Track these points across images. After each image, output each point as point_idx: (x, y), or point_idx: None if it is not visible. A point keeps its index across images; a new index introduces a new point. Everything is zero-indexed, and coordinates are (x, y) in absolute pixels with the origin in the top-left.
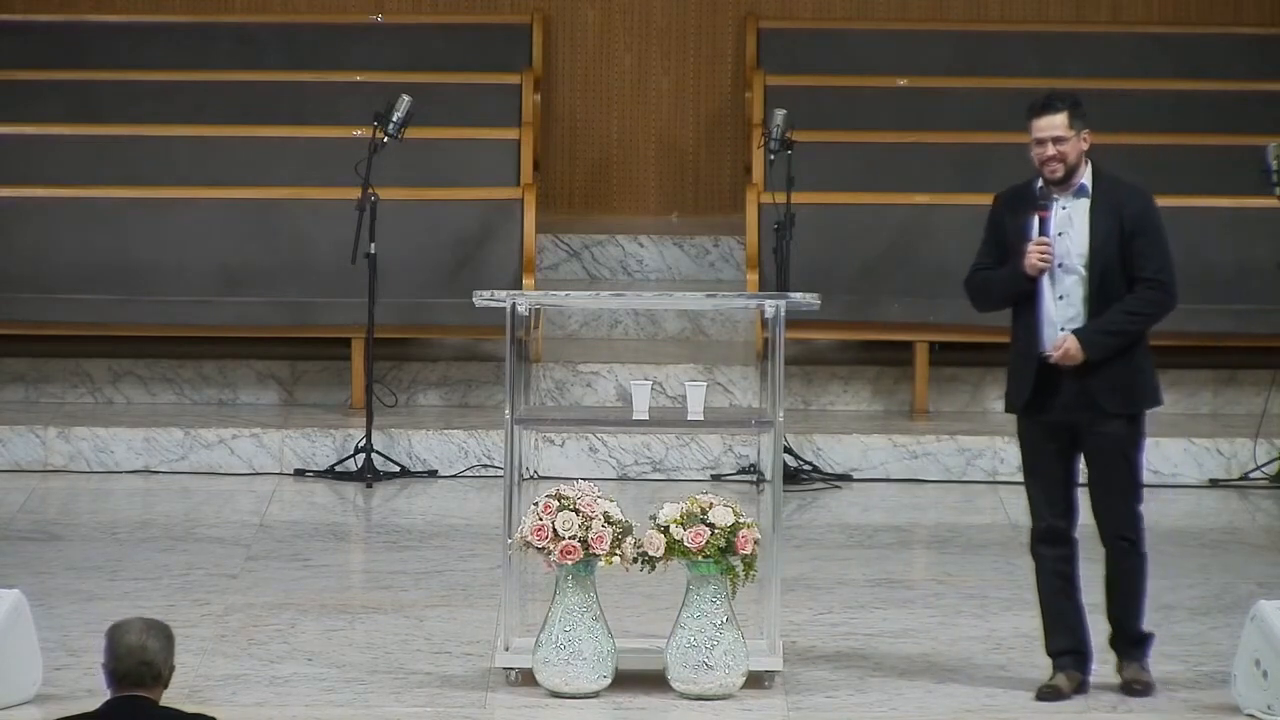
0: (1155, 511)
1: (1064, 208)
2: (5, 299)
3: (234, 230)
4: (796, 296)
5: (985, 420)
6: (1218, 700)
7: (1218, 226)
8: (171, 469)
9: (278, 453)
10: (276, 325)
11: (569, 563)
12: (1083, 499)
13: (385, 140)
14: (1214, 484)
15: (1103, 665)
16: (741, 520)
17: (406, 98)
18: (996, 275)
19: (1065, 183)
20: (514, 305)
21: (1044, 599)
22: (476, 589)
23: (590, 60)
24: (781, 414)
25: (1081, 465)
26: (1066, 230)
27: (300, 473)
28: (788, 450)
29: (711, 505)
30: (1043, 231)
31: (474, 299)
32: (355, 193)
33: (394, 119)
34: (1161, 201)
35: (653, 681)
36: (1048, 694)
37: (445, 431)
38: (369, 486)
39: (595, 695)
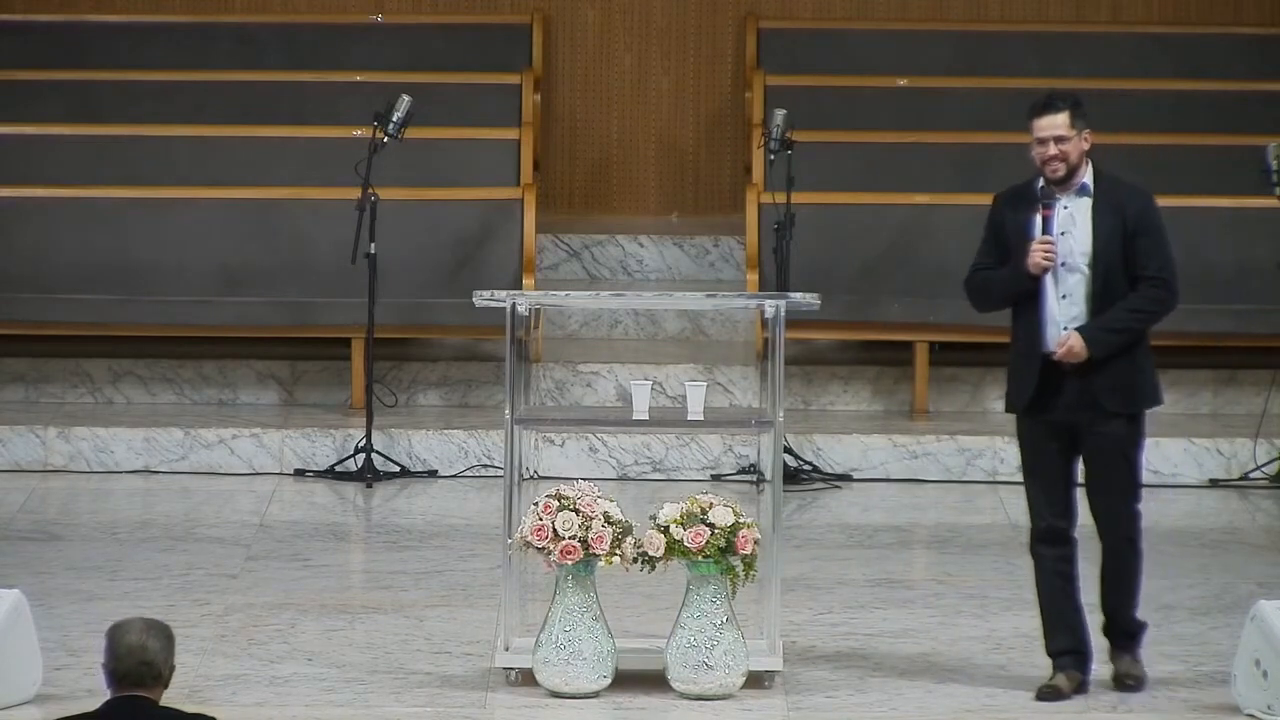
0: (1155, 511)
1: (1065, 207)
2: (5, 299)
3: (234, 230)
4: (796, 296)
5: (985, 420)
6: (1218, 700)
7: (1218, 226)
8: (171, 469)
9: (278, 453)
10: (276, 325)
11: (569, 563)
12: (1080, 498)
13: (385, 140)
14: (1214, 484)
15: (1103, 665)
16: (741, 520)
17: (406, 98)
18: (998, 275)
19: (1066, 182)
20: (514, 305)
21: (1044, 599)
22: (476, 589)
23: (590, 60)
24: (781, 414)
25: (1079, 465)
26: (1069, 229)
27: (300, 473)
28: (788, 450)
29: (711, 505)
30: (1045, 230)
31: (474, 299)
32: (355, 193)
33: (394, 119)
34: (1161, 201)
35: (653, 681)
36: (1048, 694)
37: (445, 431)
38: (369, 486)
39: (595, 695)
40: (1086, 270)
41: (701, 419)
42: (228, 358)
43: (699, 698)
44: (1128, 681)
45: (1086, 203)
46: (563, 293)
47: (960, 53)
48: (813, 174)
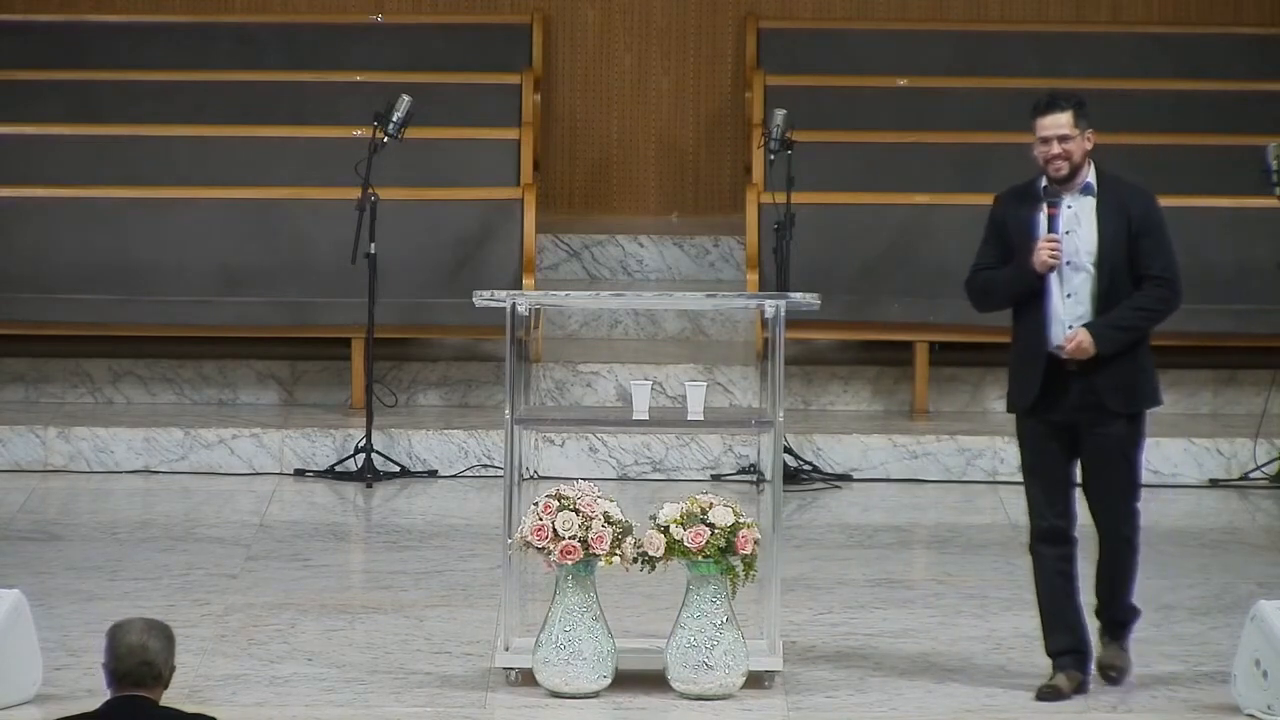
0: (1155, 511)
1: (1069, 206)
2: (5, 299)
3: (234, 230)
4: (796, 296)
5: (985, 420)
6: (1218, 700)
7: (1218, 226)
8: (171, 469)
9: (278, 453)
10: (276, 325)
11: (569, 563)
12: (1079, 498)
13: (385, 140)
14: (1214, 484)
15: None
16: (741, 520)
17: (406, 98)
18: (1002, 274)
19: (1069, 181)
20: (514, 305)
21: (1044, 599)
22: (476, 589)
23: (590, 60)
24: (781, 414)
25: (1078, 465)
26: (1074, 229)
27: (300, 473)
28: (788, 450)
29: (711, 505)
30: (1051, 229)
31: (474, 299)
32: (355, 193)
33: (394, 119)
34: (1162, 201)
35: (653, 681)
36: (1048, 694)
37: (445, 431)
38: (369, 486)
39: (595, 695)
40: (1092, 269)
41: (701, 419)
42: (228, 358)
43: (699, 698)
44: (1109, 673)
45: (1090, 202)
46: (563, 293)
47: (960, 53)
48: (813, 174)
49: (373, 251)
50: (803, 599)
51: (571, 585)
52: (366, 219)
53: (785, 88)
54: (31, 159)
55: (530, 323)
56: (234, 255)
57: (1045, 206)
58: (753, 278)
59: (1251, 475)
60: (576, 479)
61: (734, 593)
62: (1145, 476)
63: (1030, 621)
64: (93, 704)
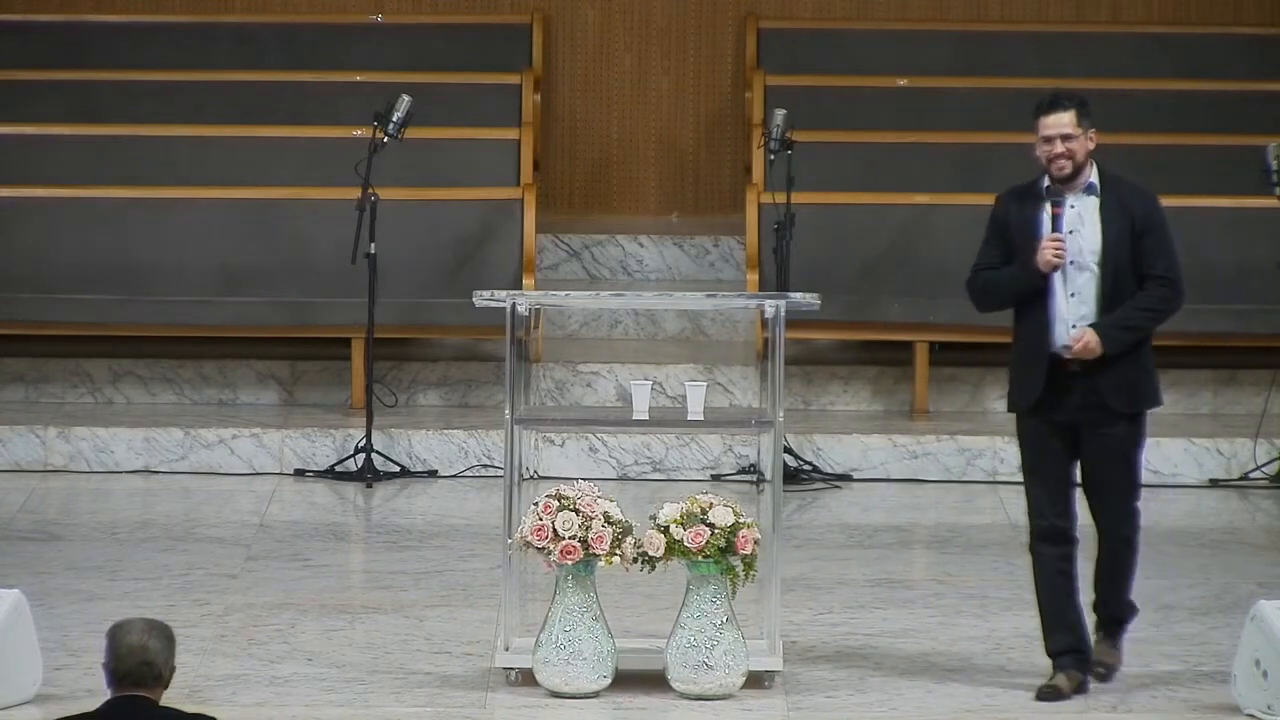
0: (1155, 511)
1: (1072, 206)
2: (5, 299)
3: (234, 230)
4: (796, 296)
5: (985, 420)
6: (1218, 700)
7: (1218, 226)
8: (171, 469)
9: (278, 453)
10: (276, 325)
11: (569, 563)
12: (1079, 497)
13: (385, 140)
14: (1214, 484)
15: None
16: (741, 520)
17: (406, 98)
18: (1005, 273)
19: (1072, 181)
20: (514, 305)
21: (1044, 598)
22: (476, 589)
23: (590, 60)
24: (781, 414)
25: (1078, 464)
26: (1078, 228)
27: (300, 473)
28: (788, 450)
29: (711, 505)
30: (1055, 228)
31: (474, 299)
32: (355, 193)
33: (394, 119)
34: (1161, 201)
35: (653, 681)
36: (1048, 694)
37: (445, 431)
38: (369, 486)
39: (595, 695)
40: (1096, 269)
41: (701, 419)
42: (228, 358)
43: (699, 698)
44: (1098, 669)
45: (1094, 202)
46: (563, 293)
47: (960, 53)
48: (813, 174)
49: (373, 251)
50: (803, 599)
51: (571, 585)
52: (366, 219)
53: (785, 88)
54: (31, 159)
55: (530, 323)
56: (234, 255)
57: (1049, 206)
58: (753, 278)
59: (1251, 475)
60: (576, 479)
61: (734, 593)
62: (1145, 476)
63: (1030, 621)
64: (93, 704)
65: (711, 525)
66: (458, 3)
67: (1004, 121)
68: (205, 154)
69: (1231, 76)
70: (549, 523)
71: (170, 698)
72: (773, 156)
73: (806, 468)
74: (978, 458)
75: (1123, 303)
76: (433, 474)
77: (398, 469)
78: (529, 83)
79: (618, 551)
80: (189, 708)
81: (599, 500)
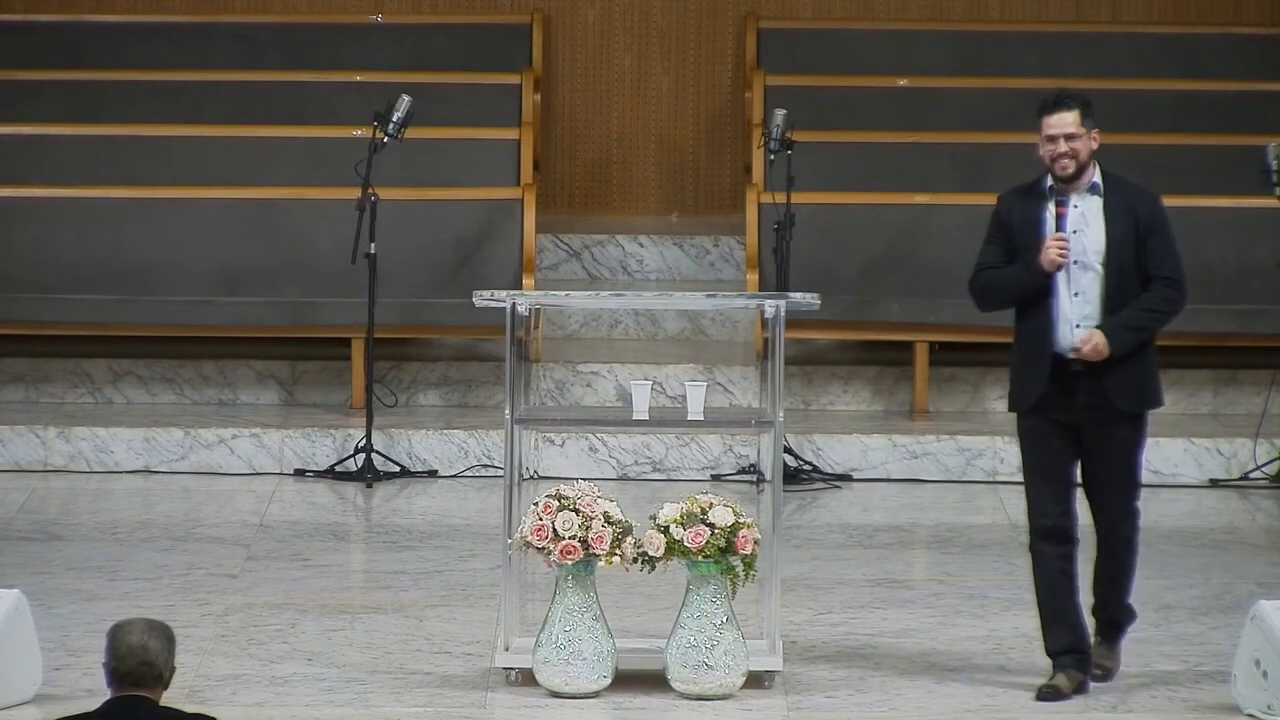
0: (1155, 511)
1: (1076, 206)
2: (5, 299)
3: (234, 230)
4: (796, 296)
5: (985, 420)
6: (1218, 700)
7: (1218, 226)
8: (171, 469)
9: (278, 453)
10: (276, 325)
11: (569, 563)
12: (1079, 497)
13: (385, 140)
14: (1214, 484)
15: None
16: (741, 520)
17: (406, 98)
18: (1008, 273)
19: (1075, 180)
20: (514, 305)
21: (1044, 597)
22: (476, 589)
23: (590, 60)
24: (781, 414)
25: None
26: (1081, 228)
27: (300, 473)
28: (788, 450)
29: (711, 505)
30: (1059, 228)
31: (474, 299)
32: (355, 193)
33: (394, 119)
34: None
35: (653, 681)
36: (1048, 694)
37: (445, 431)
38: (369, 486)
39: (595, 695)
40: (1100, 269)
41: (701, 419)
42: (228, 358)
43: (699, 698)
44: (1095, 671)
45: (1097, 202)
46: (563, 293)
47: (960, 53)
48: (813, 174)
49: (373, 251)
50: (803, 599)
51: (571, 585)
52: (366, 219)
53: (785, 88)
54: (31, 159)
55: (530, 323)
56: (234, 255)
57: (1053, 205)
58: (753, 278)
59: (1251, 475)
60: (576, 479)
61: (734, 593)
62: (1145, 476)
63: (1030, 621)
64: (93, 704)
65: (711, 525)
66: (458, 3)
67: (1004, 121)
68: (205, 154)
69: (1231, 76)
70: (549, 523)
71: (170, 698)
72: (773, 156)
73: (806, 468)
74: (978, 458)
75: (1126, 302)
76: (433, 474)
77: (398, 469)
78: (529, 83)
79: (618, 551)
80: (189, 708)
81: (599, 500)
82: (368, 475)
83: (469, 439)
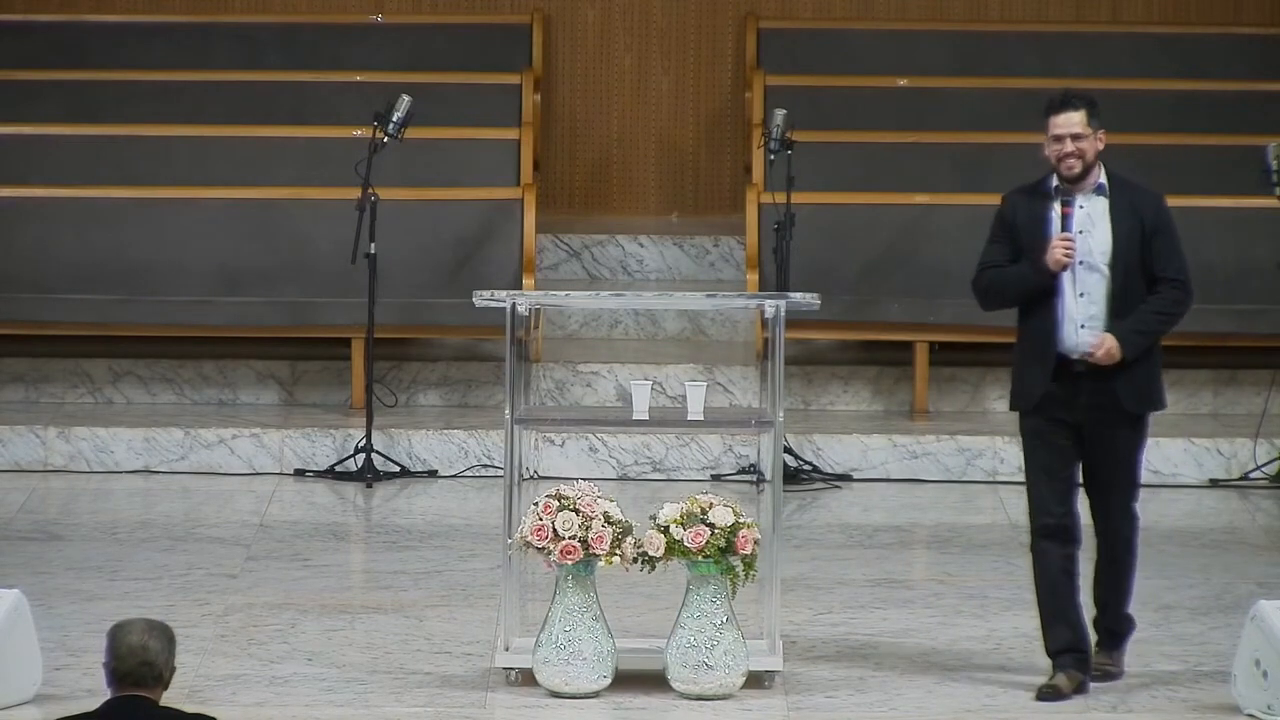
0: (1155, 511)
1: (1081, 206)
2: (5, 299)
3: (234, 230)
4: (796, 296)
5: (985, 420)
6: (1218, 700)
7: (1218, 226)
8: (171, 469)
9: (278, 453)
10: (276, 325)
11: (569, 563)
12: (1079, 496)
13: (385, 140)
14: (1214, 484)
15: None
16: (741, 520)
17: (406, 98)
18: (1012, 272)
19: (1080, 181)
20: (514, 305)
21: (1045, 596)
22: (476, 589)
23: (590, 60)
24: (781, 414)
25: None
26: (1088, 229)
27: (300, 473)
28: (788, 450)
29: (711, 505)
30: (1065, 228)
31: (474, 299)
32: (355, 193)
33: (394, 119)
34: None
35: (653, 681)
36: (1048, 694)
37: (445, 431)
38: (369, 486)
39: (595, 695)
40: (1106, 270)
41: (701, 419)
42: (228, 358)
43: (699, 698)
44: (1096, 673)
45: (1103, 203)
46: (563, 293)
47: (960, 53)
48: (813, 174)
49: (373, 251)
50: (803, 599)
51: (571, 585)
52: (366, 219)
53: (785, 88)
54: (31, 159)
55: (530, 323)
56: (234, 255)
57: (1059, 206)
58: (753, 278)
59: (1251, 475)
60: (576, 479)
61: (734, 593)
62: (1145, 476)
63: (1030, 621)
64: (93, 704)
65: (711, 525)
66: (458, 3)
67: (1004, 121)
68: (205, 154)
69: (1231, 76)
70: (549, 523)
71: (170, 698)
72: (773, 156)
73: (806, 468)
74: (978, 458)
75: (1131, 303)
76: (433, 474)
77: (398, 469)
78: (529, 83)
79: (618, 551)
80: (189, 708)
81: (599, 500)
82: (368, 475)
83: (469, 439)
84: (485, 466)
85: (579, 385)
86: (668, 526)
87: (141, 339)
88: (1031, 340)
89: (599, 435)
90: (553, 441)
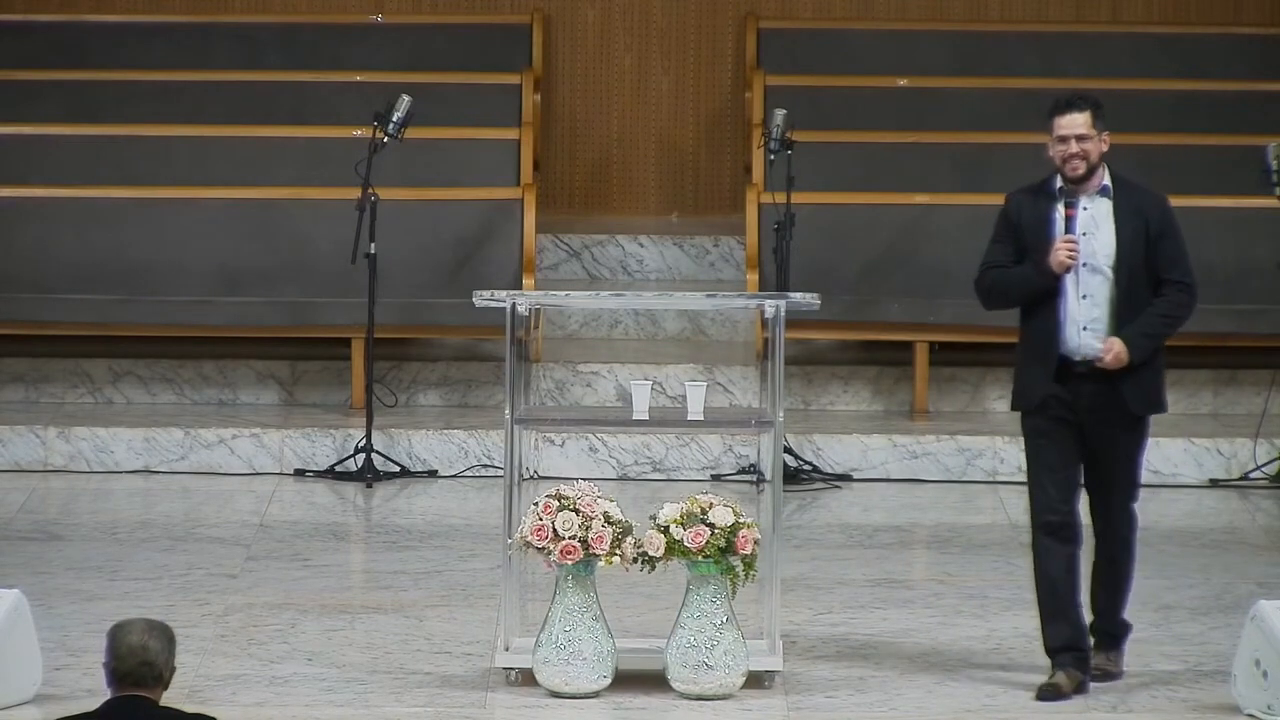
0: (1155, 511)
1: (1085, 208)
2: (5, 299)
3: (234, 230)
4: (796, 296)
5: (985, 420)
6: (1218, 700)
7: (1218, 226)
8: (171, 469)
9: (278, 453)
10: (276, 325)
11: (569, 563)
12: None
13: (385, 140)
14: (1214, 484)
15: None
16: (741, 520)
17: (406, 98)
18: (1016, 273)
19: (1085, 182)
20: (514, 305)
21: (1046, 595)
22: (476, 589)
23: (590, 60)
24: (781, 414)
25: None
26: (1091, 231)
27: (300, 473)
28: (788, 450)
29: (711, 505)
30: (1069, 230)
31: (474, 299)
32: (355, 193)
33: (394, 119)
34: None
35: (653, 681)
36: (1048, 692)
37: (445, 431)
38: (369, 486)
39: (595, 695)
40: (1110, 273)
41: (701, 419)
42: (228, 358)
43: (699, 698)
44: (1095, 672)
45: (1107, 205)
46: (563, 293)
47: (960, 53)
48: (813, 174)
49: (373, 251)
50: (803, 599)
51: (571, 585)
52: (366, 219)
53: (785, 88)
54: (31, 159)
55: (530, 323)
56: (234, 255)
57: (1063, 207)
58: (753, 278)
59: (1251, 475)
60: (576, 479)
61: (734, 593)
62: (1145, 476)
63: (1030, 621)
64: (93, 704)
65: (711, 525)
66: (458, 3)
67: (1004, 121)
68: (205, 154)
69: (1231, 76)
70: (549, 523)
71: (170, 698)
72: (773, 156)
73: (806, 468)
74: (978, 458)
75: (1134, 305)
76: (433, 474)
77: (398, 469)
78: (529, 83)
79: (618, 551)
80: (189, 708)
81: (599, 500)
82: (368, 475)
83: (469, 439)
84: (485, 466)
85: (579, 385)
86: (668, 526)
87: (141, 339)
88: (1033, 341)
89: (599, 435)
90: (553, 441)
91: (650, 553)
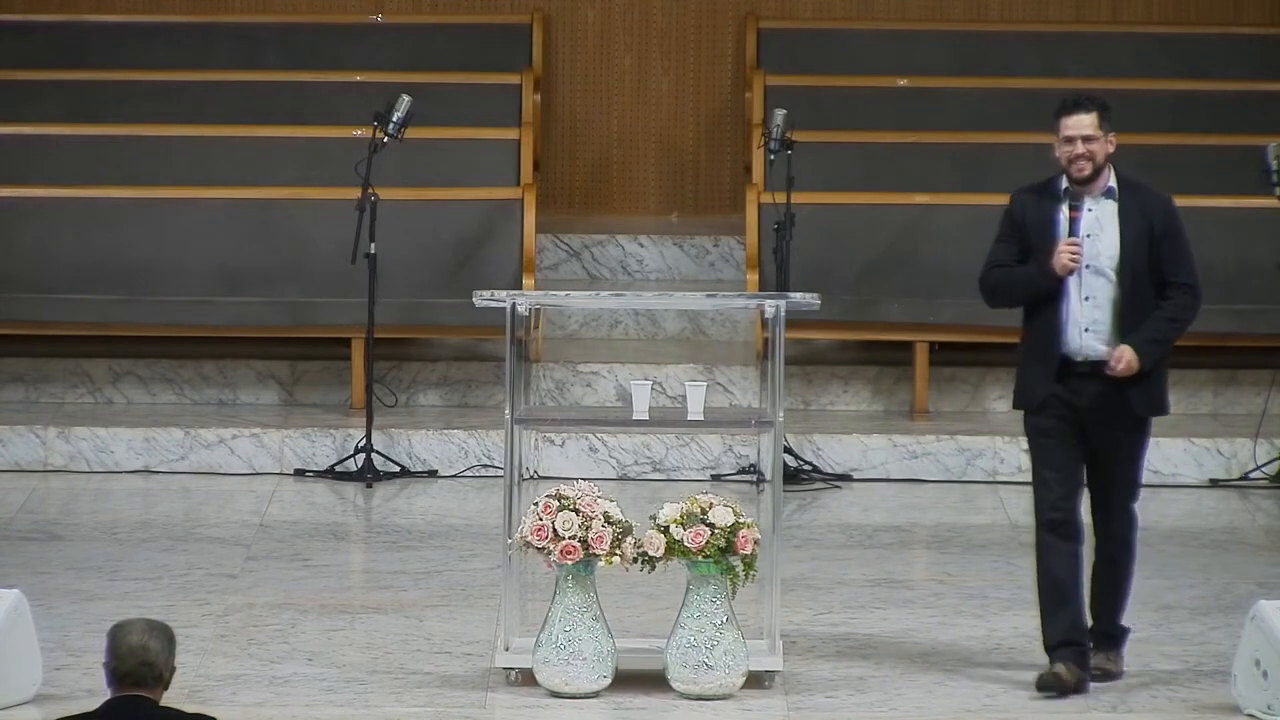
0: (1155, 511)
1: (1090, 210)
2: (5, 299)
3: (234, 230)
4: (796, 296)
5: (985, 420)
6: (1218, 700)
7: (1218, 226)
8: (171, 469)
9: (278, 453)
10: (276, 325)
11: (569, 563)
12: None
13: (385, 140)
14: (1214, 484)
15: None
16: (741, 520)
17: (406, 98)
18: (1020, 273)
19: (1090, 183)
20: (514, 305)
21: (1047, 591)
22: (476, 589)
23: (590, 60)
24: (781, 414)
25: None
26: (1096, 233)
27: (300, 473)
28: (788, 450)
29: (711, 505)
30: (1072, 232)
31: (474, 299)
32: (355, 193)
33: (394, 119)
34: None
35: (653, 681)
36: (1049, 681)
37: (445, 431)
38: (369, 486)
39: (595, 695)
40: (1113, 275)
41: (701, 419)
42: (228, 358)
43: (699, 698)
44: (1095, 674)
45: (1112, 207)
46: (563, 293)
47: (960, 53)
48: (813, 174)
49: (373, 251)
50: (803, 599)
51: (571, 585)
52: (366, 219)
53: (785, 88)
54: (31, 159)
55: (530, 323)
56: (233, 255)
57: (1067, 209)
58: (753, 278)
59: (1251, 475)
60: (576, 479)
61: (734, 593)
62: (1145, 476)
63: (1030, 621)
64: (93, 704)
65: (711, 525)
66: (458, 3)
67: (1004, 121)
68: (205, 154)
69: (1231, 76)
70: (549, 523)
71: (170, 698)
72: (773, 156)
73: (806, 468)
74: (978, 458)
75: (1137, 307)
76: (433, 474)
77: (398, 469)
78: (529, 83)
79: (618, 551)
80: (189, 708)
81: (599, 500)
82: (368, 475)
83: (469, 439)
84: (485, 466)
85: (579, 385)
86: (668, 526)
87: (141, 339)
88: (1035, 341)
89: (599, 435)
90: (553, 441)
91: (650, 553)
